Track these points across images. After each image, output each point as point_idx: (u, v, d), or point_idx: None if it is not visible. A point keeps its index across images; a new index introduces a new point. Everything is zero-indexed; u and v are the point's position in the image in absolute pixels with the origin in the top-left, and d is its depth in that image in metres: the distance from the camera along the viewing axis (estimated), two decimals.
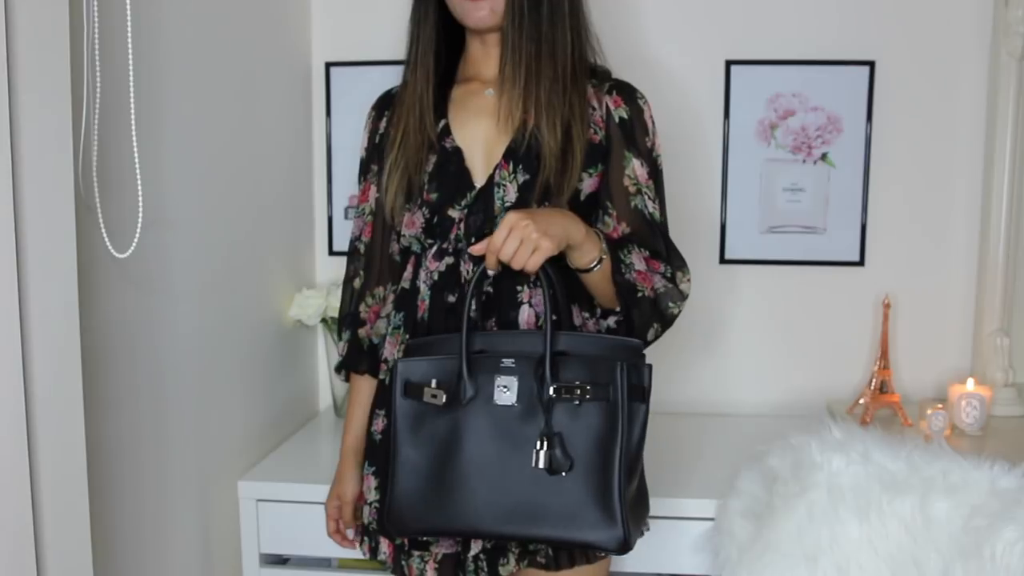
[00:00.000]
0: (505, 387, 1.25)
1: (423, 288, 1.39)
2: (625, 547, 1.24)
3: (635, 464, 1.28)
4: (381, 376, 1.46)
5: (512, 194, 1.35)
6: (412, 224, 1.40)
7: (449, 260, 1.37)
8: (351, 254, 1.54)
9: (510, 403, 1.25)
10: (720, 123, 2.08)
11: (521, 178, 1.35)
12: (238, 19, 1.73)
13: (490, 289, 1.36)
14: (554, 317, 1.28)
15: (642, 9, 2.06)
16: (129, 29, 1.17)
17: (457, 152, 1.38)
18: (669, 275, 1.39)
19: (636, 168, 1.38)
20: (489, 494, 1.24)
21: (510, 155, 1.36)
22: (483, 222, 1.35)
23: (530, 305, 1.36)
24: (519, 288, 1.36)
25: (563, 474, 1.22)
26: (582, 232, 1.29)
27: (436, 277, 1.38)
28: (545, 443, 1.22)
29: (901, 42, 2.03)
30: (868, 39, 2.03)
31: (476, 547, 1.36)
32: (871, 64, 2.03)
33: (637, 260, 1.36)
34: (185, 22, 1.51)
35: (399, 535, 1.35)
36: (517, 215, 1.23)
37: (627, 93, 1.41)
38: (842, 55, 2.03)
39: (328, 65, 2.13)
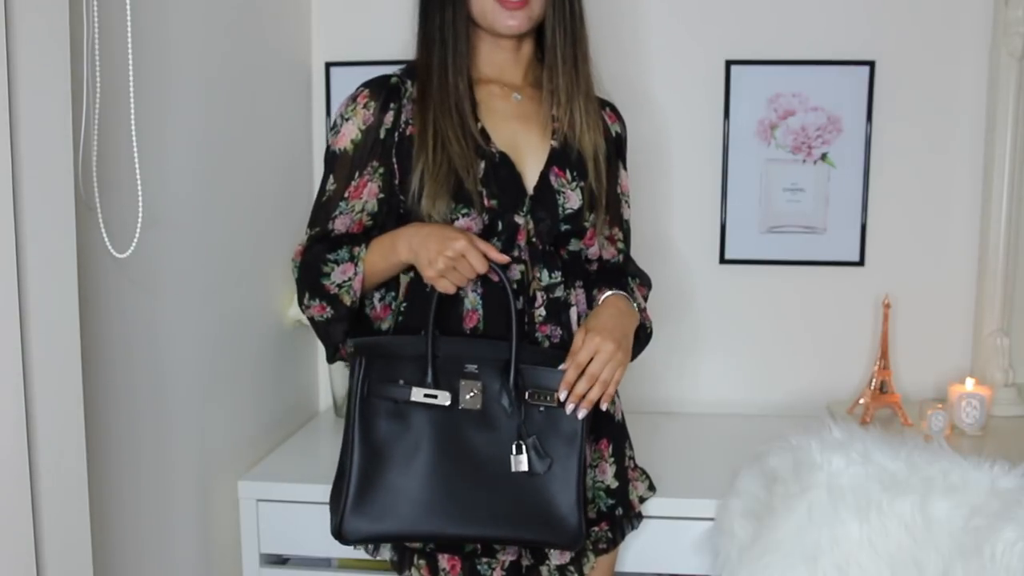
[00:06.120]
0: (471, 392, 1.28)
1: (472, 298, 1.33)
2: (579, 543, 1.31)
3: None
4: None
5: (576, 201, 1.36)
6: (468, 230, 1.31)
7: (521, 267, 1.34)
8: (319, 239, 1.37)
9: (475, 407, 1.28)
10: (720, 123, 2.08)
11: (579, 183, 1.37)
12: (238, 19, 1.73)
13: (560, 295, 1.37)
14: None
15: (642, 9, 2.06)
16: (129, 29, 1.17)
17: (504, 157, 1.34)
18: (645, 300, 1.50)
19: (623, 178, 1.51)
20: (451, 496, 1.27)
21: (561, 162, 1.36)
22: (551, 227, 1.36)
23: (575, 304, 1.40)
24: (567, 291, 1.38)
25: (540, 474, 1.27)
26: (634, 322, 1.38)
27: (515, 286, 1.33)
28: (523, 446, 1.26)
29: (901, 42, 2.03)
30: (868, 39, 2.03)
31: (563, 558, 1.39)
32: (871, 64, 2.03)
33: (641, 297, 1.48)
34: (185, 22, 1.51)
35: (355, 541, 1.32)
36: (598, 341, 1.28)
37: (616, 110, 1.50)
38: (842, 55, 2.03)
39: (328, 65, 2.13)
